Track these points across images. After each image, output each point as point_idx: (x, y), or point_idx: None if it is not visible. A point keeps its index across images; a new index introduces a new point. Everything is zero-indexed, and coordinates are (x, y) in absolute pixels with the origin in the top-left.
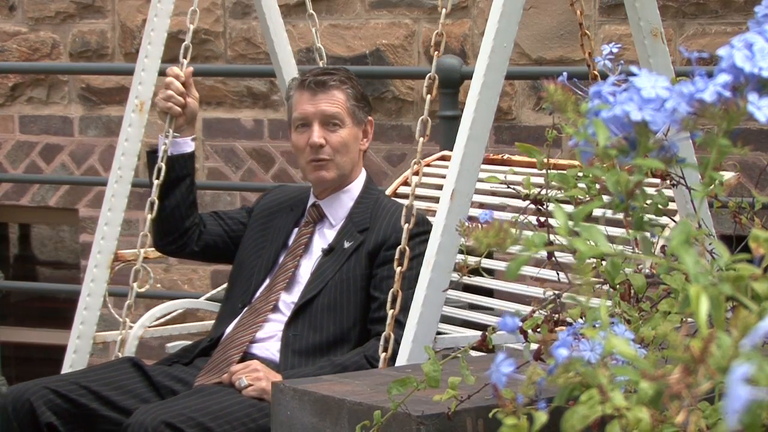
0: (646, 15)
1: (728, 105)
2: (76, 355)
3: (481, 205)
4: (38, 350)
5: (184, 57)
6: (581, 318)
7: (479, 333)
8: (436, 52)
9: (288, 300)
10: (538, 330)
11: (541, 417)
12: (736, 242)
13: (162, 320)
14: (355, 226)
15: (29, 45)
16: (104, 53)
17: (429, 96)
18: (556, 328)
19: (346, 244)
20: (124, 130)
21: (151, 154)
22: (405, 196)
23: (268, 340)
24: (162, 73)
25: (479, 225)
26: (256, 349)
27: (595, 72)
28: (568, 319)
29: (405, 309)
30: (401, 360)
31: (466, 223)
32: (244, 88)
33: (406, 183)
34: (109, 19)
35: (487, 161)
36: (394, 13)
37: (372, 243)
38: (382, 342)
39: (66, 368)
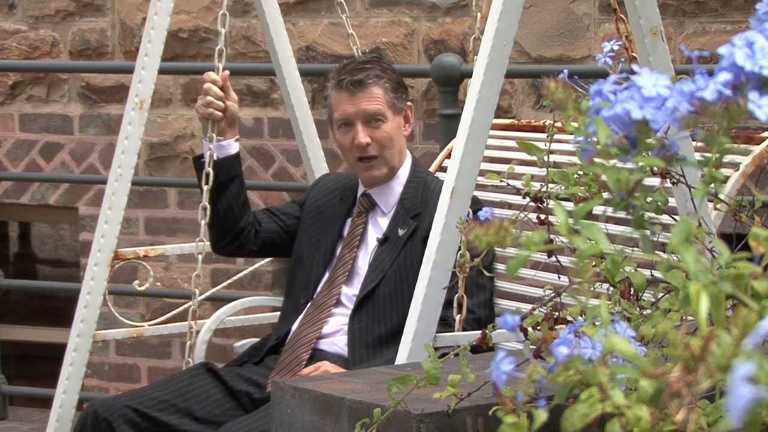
0: (646, 13)
1: (729, 103)
2: (76, 353)
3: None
4: (38, 348)
5: (219, 61)
6: (581, 316)
7: (479, 332)
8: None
9: (350, 293)
10: (538, 328)
11: (541, 415)
12: (736, 240)
13: (163, 318)
14: (407, 212)
15: (29, 43)
16: (104, 51)
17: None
18: (556, 326)
19: (401, 232)
20: (124, 129)
21: (198, 160)
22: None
23: (334, 335)
24: (162, 72)
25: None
26: (324, 344)
27: (633, 54)
28: (568, 318)
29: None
30: (401, 358)
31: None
32: (243, 87)
33: (449, 156)
34: (109, 17)
35: (528, 127)
36: (394, 11)
37: (425, 228)
38: (455, 304)
39: (66, 366)
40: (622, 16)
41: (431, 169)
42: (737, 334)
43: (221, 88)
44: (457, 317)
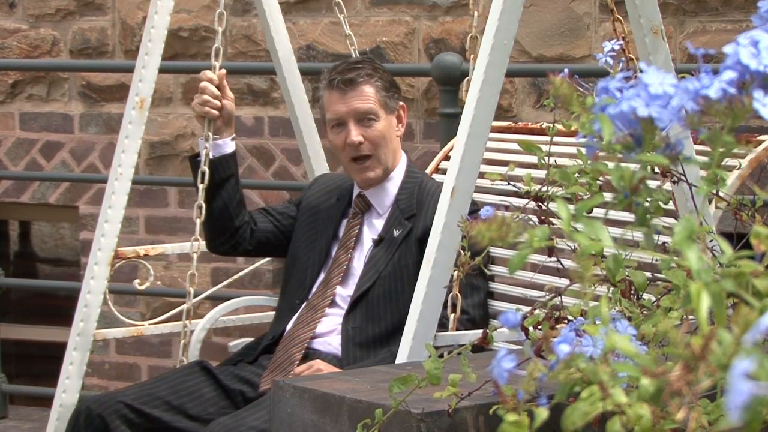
0: (647, 12)
1: (733, 102)
2: (77, 352)
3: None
4: (38, 347)
5: (216, 59)
6: (581, 315)
7: (479, 331)
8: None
9: (344, 294)
10: (539, 327)
11: (542, 413)
12: (737, 239)
13: (164, 317)
14: (402, 213)
15: (29, 42)
16: (104, 50)
17: None
18: (557, 325)
19: (396, 233)
20: (124, 128)
21: (193, 159)
22: (446, 172)
23: (328, 335)
24: (162, 71)
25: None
26: (318, 344)
27: (631, 56)
28: (569, 317)
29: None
30: (401, 358)
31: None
32: (244, 86)
33: (446, 158)
34: (110, 16)
35: (525, 130)
36: (395, 10)
37: (420, 229)
38: (449, 303)
39: (66, 365)
40: (620, 17)
41: (428, 170)
42: (738, 332)
43: (218, 87)
44: (452, 317)
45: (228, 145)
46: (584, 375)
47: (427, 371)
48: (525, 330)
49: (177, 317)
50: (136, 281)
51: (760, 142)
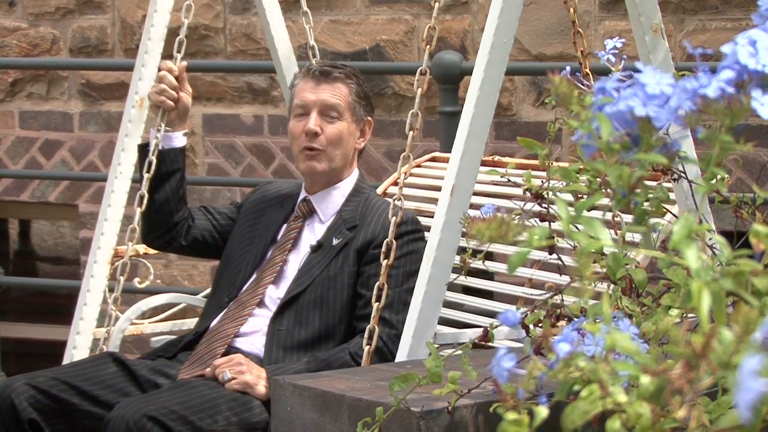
0: (647, 11)
1: (731, 101)
2: (76, 350)
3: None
4: (38, 346)
5: (178, 51)
6: (581, 313)
7: (479, 330)
8: (427, 46)
9: (274, 295)
10: (540, 325)
11: (542, 412)
12: (737, 238)
13: (163, 316)
14: (345, 223)
15: (29, 41)
16: (104, 49)
17: (420, 90)
18: (558, 323)
19: (335, 241)
20: (124, 126)
21: (143, 148)
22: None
23: (253, 335)
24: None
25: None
26: (240, 343)
27: (587, 70)
28: (569, 314)
29: (390, 306)
30: (401, 356)
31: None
32: (244, 84)
33: (395, 183)
34: (109, 14)
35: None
36: (394, 8)
37: (360, 241)
38: (366, 335)
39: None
40: (579, 30)
41: (378, 190)
42: (739, 331)
43: (177, 79)
44: (366, 348)
45: (179, 138)
46: (584, 374)
47: (428, 369)
48: (525, 328)
49: (177, 315)
50: (136, 280)
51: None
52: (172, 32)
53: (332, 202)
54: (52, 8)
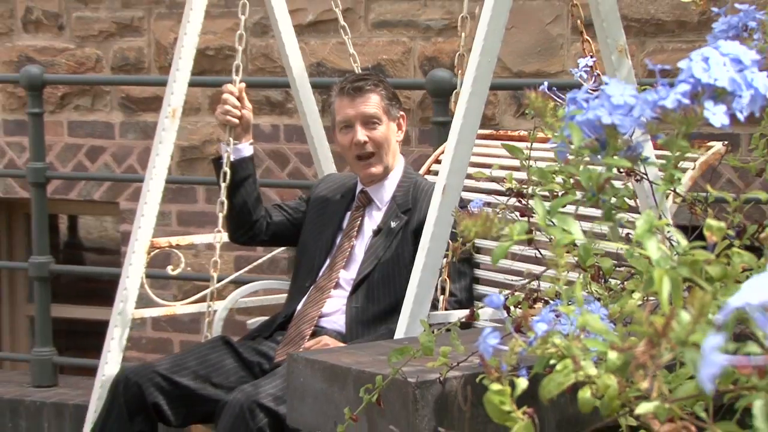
0: (613, 33)
1: (687, 111)
2: (117, 329)
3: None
4: (85, 325)
5: (236, 74)
6: (556, 297)
7: (467, 311)
8: (459, 71)
9: (347, 277)
10: (519, 306)
11: (522, 383)
12: (691, 231)
13: (194, 299)
14: (399, 207)
15: (76, 60)
16: (141, 67)
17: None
18: (535, 305)
19: (393, 224)
20: (158, 134)
21: (216, 161)
22: (436, 173)
23: (333, 314)
24: (192, 84)
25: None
26: (325, 322)
27: (597, 71)
28: (546, 297)
29: (449, 278)
30: (399, 333)
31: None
32: (263, 98)
33: (437, 161)
34: (146, 37)
35: (506, 137)
36: (393, 32)
37: (415, 222)
38: (438, 289)
39: (108, 340)
40: (588, 38)
41: (421, 171)
42: (694, 312)
43: (238, 98)
44: (441, 298)
45: (247, 149)
46: (559, 350)
47: (422, 344)
48: (507, 309)
49: (204, 298)
50: (169, 267)
51: (709, 148)
52: (200, 52)
53: (386, 190)
54: (96, 31)
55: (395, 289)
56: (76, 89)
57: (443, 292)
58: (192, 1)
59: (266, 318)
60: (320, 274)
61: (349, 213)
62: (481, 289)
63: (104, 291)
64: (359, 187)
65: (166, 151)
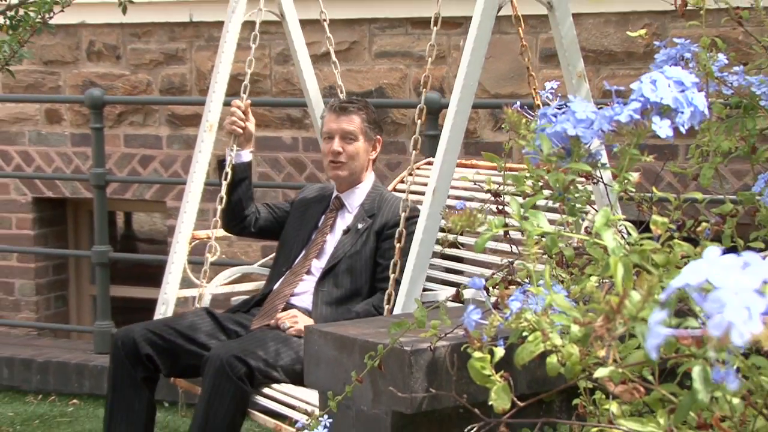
0: (573, 62)
1: (638, 125)
2: (164, 306)
3: (457, 197)
4: (138, 302)
5: (244, 93)
6: (527, 279)
7: (454, 289)
8: (423, 89)
9: (318, 266)
10: (497, 287)
11: (500, 351)
12: (639, 225)
13: (227, 281)
14: (366, 212)
15: (131, 84)
16: (184, 90)
17: (420, 120)
18: (510, 286)
19: (360, 226)
20: (198, 145)
21: (221, 162)
22: (401, 191)
23: (303, 294)
24: (227, 104)
25: (456, 211)
26: (295, 300)
27: (538, 102)
28: (518, 280)
29: (402, 272)
30: (398, 310)
31: (446, 210)
32: (284, 115)
33: (401, 181)
34: (188, 65)
35: (461, 165)
36: (392, 61)
37: (378, 224)
38: (385, 297)
39: (157, 315)
40: (533, 74)
41: (389, 187)
42: (643, 293)
43: (244, 113)
44: (386, 307)
45: (246, 155)
46: (530, 324)
47: (416, 318)
48: (486, 290)
49: (235, 281)
50: (208, 255)
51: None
52: (233, 77)
53: (356, 197)
54: (147, 60)
55: (356, 279)
56: (130, 108)
57: (389, 301)
58: (226, 35)
59: (247, 297)
60: (296, 262)
61: (324, 215)
62: (468, 268)
63: (153, 275)
64: (334, 194)
65: (204, 159)
